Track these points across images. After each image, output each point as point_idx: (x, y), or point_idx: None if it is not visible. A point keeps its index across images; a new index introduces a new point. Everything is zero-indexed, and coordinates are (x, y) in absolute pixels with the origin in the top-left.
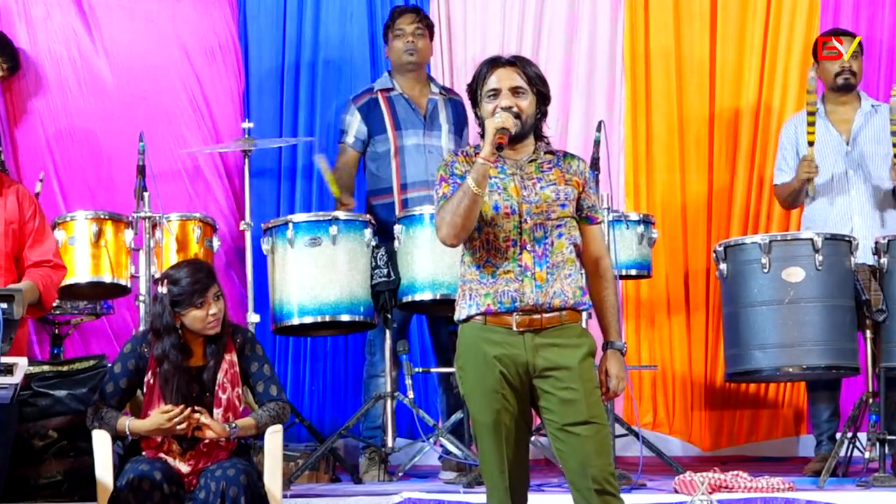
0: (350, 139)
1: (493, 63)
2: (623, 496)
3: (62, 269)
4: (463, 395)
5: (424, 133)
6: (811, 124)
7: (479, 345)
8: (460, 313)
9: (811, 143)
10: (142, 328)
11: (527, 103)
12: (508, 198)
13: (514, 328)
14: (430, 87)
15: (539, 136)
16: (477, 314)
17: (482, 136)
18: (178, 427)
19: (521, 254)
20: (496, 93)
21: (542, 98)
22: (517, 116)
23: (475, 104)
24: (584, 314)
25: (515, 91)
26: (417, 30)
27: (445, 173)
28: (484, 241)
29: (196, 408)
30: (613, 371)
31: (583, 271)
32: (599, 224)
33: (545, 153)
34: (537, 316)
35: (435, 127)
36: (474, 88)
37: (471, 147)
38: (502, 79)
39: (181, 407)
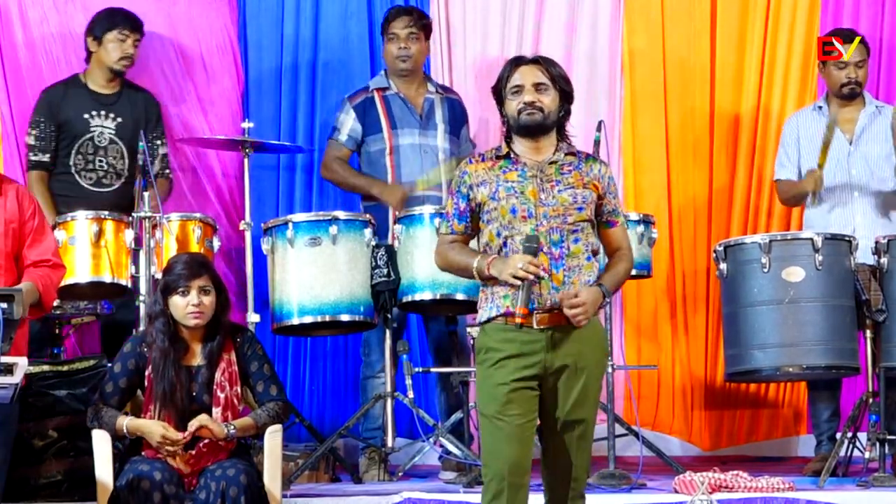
0: (343, 137)
1: (517, 61)
2: (623, 496)
3: (62, 268)
4: (477, 390)
5: (420, 132)
6: (825, 153)
7: (498, 343)
8: (482, 315)
9: (821, 166)
10: (142, 328)
11: (549, 99)
12: (525, 201)
13: (535, 326)
14: (426, 86)
15: (562, 136)
16: (498, 315)
17: (506, 137)
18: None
19: (537, 256)
20: (519, 89)
21: (566, 96)
22: (540, 110)
23: (500, 103)
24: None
25: (538, 87)
26: (412, 34)
27: (454, 187)
28: (502, 244)
29: (194, 420)
30: (582, 299)
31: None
32: (621, 226)
33: (566, 154)
34: (557, 313)
35: (431, 126)
36: (499, 88)
37: (491, 150)
38: (525, 75)
39: (184, 437)
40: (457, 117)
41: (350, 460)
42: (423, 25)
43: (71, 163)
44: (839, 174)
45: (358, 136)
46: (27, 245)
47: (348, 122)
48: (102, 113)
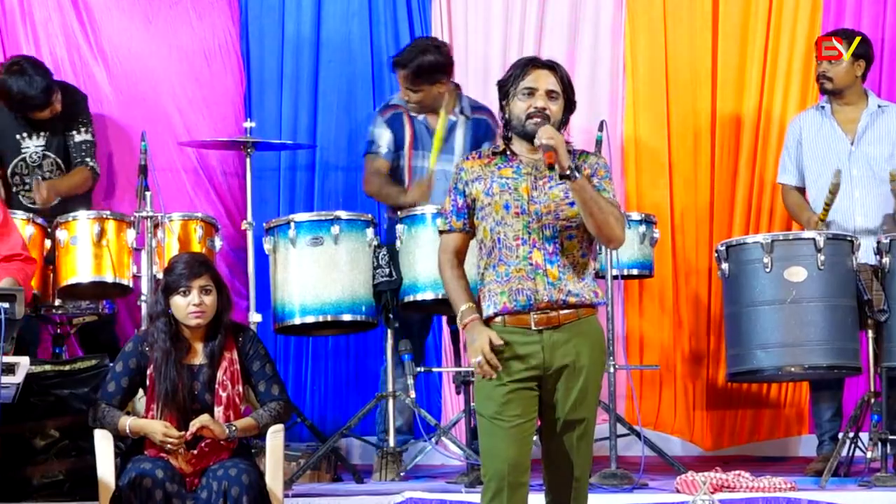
0: (383, 149)
1: (532, 63)
2: (625, 496)
3: (33, 262)
4: (476, 391)
5: (437, 156)
6: (827, 209)
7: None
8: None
9: (822, 220)
10: (143, 328)
11: (557, 108)
12: (518, 198)
13: (533, 327)
14: (453, 107)
15: None
16: (496, 314)
17: (505, 137)
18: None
19: (531, 252)
20: (532, 92)
21: (569, 105)
22: (547, 119)
23: (503, 98)
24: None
25: (550, 94)
26: (409, 90)
27: (452, 184)
28: (496, 240)
29: (195, 420)
30: (555, 138)
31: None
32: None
33: None
34: (554, 313)
35: (448, 150)
36: (506, 85)
37: (487, 149)
38: (540, 79)
39: (184, 436)
40: (479, 138)
41: (352, 460)
42: (426, 72)
43: (10, 182)
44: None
45: (393, 147)
46: None
47: (385, 136)
48: (33, 133)
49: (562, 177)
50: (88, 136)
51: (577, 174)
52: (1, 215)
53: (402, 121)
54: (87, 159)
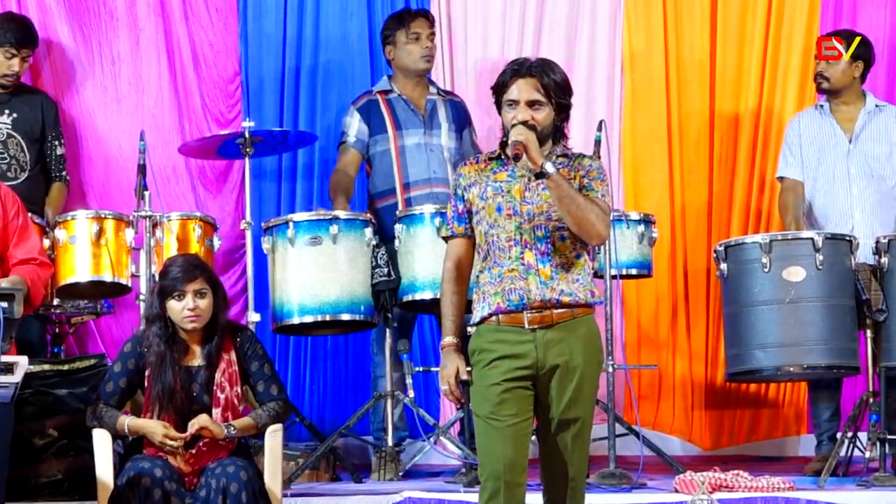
0: (351, 139)
1: (516, 72)
2: (624, 496)
3: (49, 266)
4: (471, 391)
5: (425, 132)
6: None
7: (491, 344)
8: (475, 316)
9: None
10: (142, 328)
11: (542, 115)
12: (511, 200)
13: (527, 326)
14: (428, 88)
15: (557, 140)
16: (490, 315)
17: (502, 144)
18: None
19: (523, 252)
20: (514, 104)
21: (561, 108)
22: (532, 128)
23: (498, 106)
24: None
25: (532, 104)
26: (431, 35)
27: (452, 190)
28: (490, 242)
29: (194, 420)
30: (524, 135)
31: (592, 272)
32: (598, 197)
33: (558, 156)
34: (547, 312)
35: (435, 126)
36: (496, 93)
37: (485, 154)
38: (521, 90)
39: (184, 438)
40: (460, 118)
41: (350, 459)
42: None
43: None
44: (838, 172)
45: (365, 136)
46: (13, 244)
47: (354, 124)
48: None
49: (537, 175)
50: (63, 150)
51: (549, 170)
52: (21, 220)
53: (377, 106)
54: (63, 173)
